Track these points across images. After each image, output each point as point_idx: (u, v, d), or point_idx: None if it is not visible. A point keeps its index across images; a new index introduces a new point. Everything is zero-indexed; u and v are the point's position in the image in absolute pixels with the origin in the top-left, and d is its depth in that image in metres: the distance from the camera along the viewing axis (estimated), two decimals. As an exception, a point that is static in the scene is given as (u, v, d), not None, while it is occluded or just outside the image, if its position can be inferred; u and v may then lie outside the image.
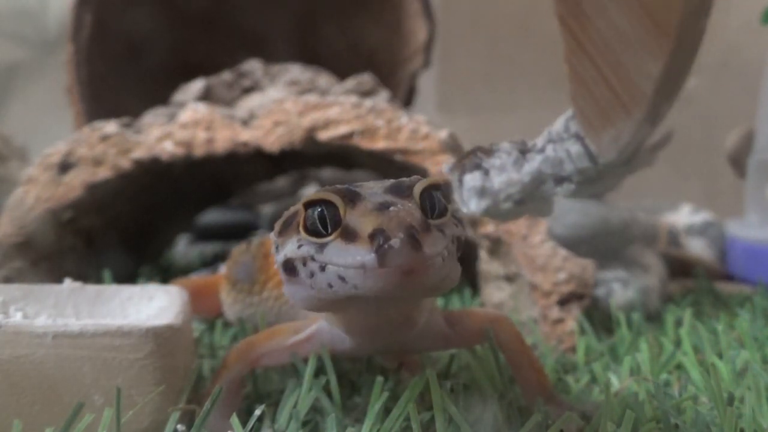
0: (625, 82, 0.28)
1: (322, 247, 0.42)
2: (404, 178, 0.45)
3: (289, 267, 0.44)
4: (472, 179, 0.35)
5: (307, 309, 0.47)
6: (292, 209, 0.47)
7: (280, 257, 0.46)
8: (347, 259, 0.41)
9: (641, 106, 0.28)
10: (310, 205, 0.43)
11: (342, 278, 0.41)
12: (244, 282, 0.65)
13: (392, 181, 0.44)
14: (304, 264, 0.43)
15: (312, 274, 0.43)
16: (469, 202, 0.35)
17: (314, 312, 0.49)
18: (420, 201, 0.42)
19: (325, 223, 0.42)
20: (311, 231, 0.43)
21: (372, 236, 0.40)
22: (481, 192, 0.34)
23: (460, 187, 0.35)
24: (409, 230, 0.39)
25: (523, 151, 0.34)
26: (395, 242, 0.39)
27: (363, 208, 0.41)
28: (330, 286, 0.42)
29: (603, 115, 0.29)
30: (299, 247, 0.43)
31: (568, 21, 0.29)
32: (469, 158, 0.35)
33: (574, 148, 0.32)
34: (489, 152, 0.35)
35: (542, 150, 0.33)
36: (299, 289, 0.45)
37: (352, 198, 0.42)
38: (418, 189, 0.43)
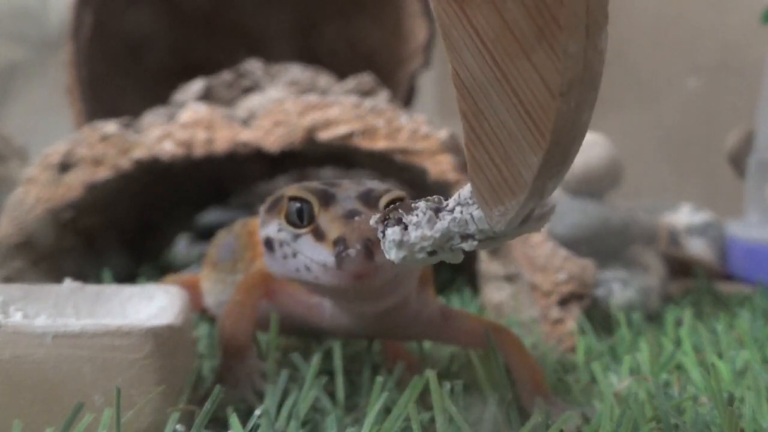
0: (511, 170, 0.35)
1: (296, 237, 0.50)
2: (375, 187, 0.51)
3: (269, 244, 0.53)
4: (392, 233, 0.40)
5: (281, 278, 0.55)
6: (280, 192, 0.53)
7: (263, 233, 0.53)
8: (314, 255, 0.49)
9: (524, 190, 0.34)
10: (292, 198, 0.51)
11: (308, 268, 0.50)
12: (227, 261, 0.66)
13: (365, 187, 0.51)
14: (281, 246, 0.51)
15: (285, 257, 0.51)
16: (389, 252, 0.41)
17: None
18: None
19: (302, 216, 0.50)
20: (290, 221, 0.51)
21: (335, 242, 0.47)
22: (400, 244, 0.40)
23: (383, 239, 0.41)
24: (366, 242, 0.47)
25: (437, 210, 0.40)
26: (352, 252, 0.47)
27: (333, 213, 0.49)
28: (297, 270, 0.50)
29: (494, 194, 0.36)
30: (279, 230, 0.51)
31: (468, 116, 0.35)
32: (392, 213, 0.41)
33: (477, 212, 0.38)
34: (409, 209, 0.41)
35: (452, 211, 0.39)
36: (275, 263, 0.53)
37: (327, 201, 0.50)
38: (383, 201, 0.50)
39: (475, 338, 0.56)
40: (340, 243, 0.47)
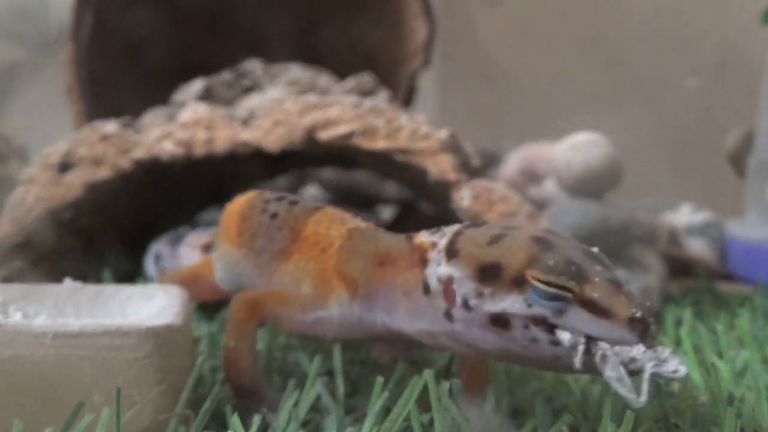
0: None
1: (561, 311, 0.42)
2: (593, 249, 0.45)
3: (503, 321, 0.43)
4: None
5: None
6: (493, 256, 0.44)
7: (489, 307, 0.44)
8: (601, 332, 0.42)
9: None
10: (539, 281, 0.42)
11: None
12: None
13: (589, 249, 0.45)
14: (526, 327, 0.43)
15: (535, 340, 0.43)
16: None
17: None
18: None
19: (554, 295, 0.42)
20: (542, 294, 0.42)
21: (632, 320, 0.41)
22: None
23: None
24: (649, 316, 0.42)
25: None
26: (653, 330, 0.42)
27: (601, 285, 0.42)
28: (556, 358, 0.43)
29: None
30: (529, 306, 0.43)
31: None
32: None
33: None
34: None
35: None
36: (501, 341, 0.44)
37: (581, 274, 0.42)
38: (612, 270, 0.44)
39: None
40: (637, 322, 0.41)
